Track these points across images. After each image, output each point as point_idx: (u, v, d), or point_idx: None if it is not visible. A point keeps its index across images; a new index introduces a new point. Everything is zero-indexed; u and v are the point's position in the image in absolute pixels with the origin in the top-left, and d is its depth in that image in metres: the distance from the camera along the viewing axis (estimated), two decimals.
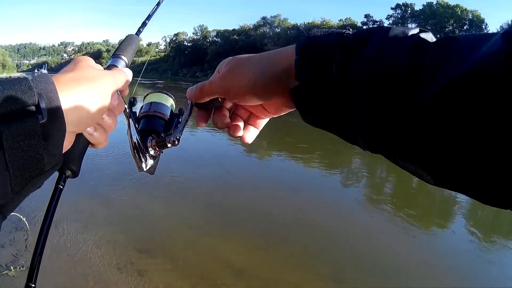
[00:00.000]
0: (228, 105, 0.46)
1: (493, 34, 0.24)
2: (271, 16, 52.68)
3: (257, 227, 3.51)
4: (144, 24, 0.62)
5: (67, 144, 0.35)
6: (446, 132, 0.23)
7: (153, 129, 0.50)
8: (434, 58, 0.26)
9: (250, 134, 0.47)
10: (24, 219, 3.00)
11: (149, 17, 0.64)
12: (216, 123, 0.45)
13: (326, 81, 0.31)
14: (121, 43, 0.53)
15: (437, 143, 0.24)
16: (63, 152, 0.32)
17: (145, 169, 0.48)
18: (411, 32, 0.29)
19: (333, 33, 0.33)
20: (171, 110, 0.53)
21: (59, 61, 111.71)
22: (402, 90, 0.26)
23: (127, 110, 0.46)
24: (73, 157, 0.39)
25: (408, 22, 36.84)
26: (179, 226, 3.44)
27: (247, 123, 0.47)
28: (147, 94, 0.54)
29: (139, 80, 0.77)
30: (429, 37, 0.28)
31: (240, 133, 0.46)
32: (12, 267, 2.51)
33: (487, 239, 3.71)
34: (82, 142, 0.40)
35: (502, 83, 0.20)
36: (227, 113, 0.46)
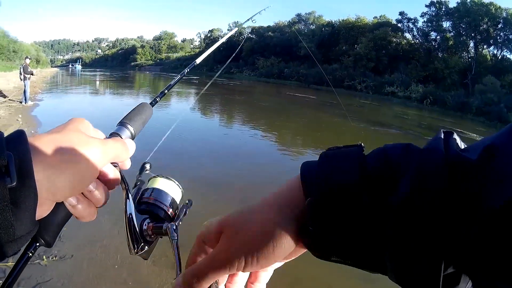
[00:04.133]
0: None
1: None
2: (305, 13, 51.80)
3: None
4: (162, 94, 0.60)
5: (44, 211, 0.31)
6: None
7: (152, 212, 0.46)
8: (473, 182, 0.23)
9: None
10: None
11: (169, 87, 0.64)
12: None
13: (351, 225, 0.28)
14: (131, 110, 0.49)
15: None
16: (39, 218, 0.30)
17: (135, 254, 0.43)
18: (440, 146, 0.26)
19: (347, 165, 0.29)
20: (173, 201, 0.48)
21: (93, 57, 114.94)
22: (447, 234, 0.23)
23: (125, 186, 0.41)
24: (49, 226, 0.35)
25: (442, 20, 35.42)
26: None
27: (249, 283, 0.38)
28: (154, 177, 0.50)
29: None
30: (458, 139, 0.28)
31: None
32: (44, 257, 2.57)
33: None
34: (62, 212, 0.36)
35: None
36: None
